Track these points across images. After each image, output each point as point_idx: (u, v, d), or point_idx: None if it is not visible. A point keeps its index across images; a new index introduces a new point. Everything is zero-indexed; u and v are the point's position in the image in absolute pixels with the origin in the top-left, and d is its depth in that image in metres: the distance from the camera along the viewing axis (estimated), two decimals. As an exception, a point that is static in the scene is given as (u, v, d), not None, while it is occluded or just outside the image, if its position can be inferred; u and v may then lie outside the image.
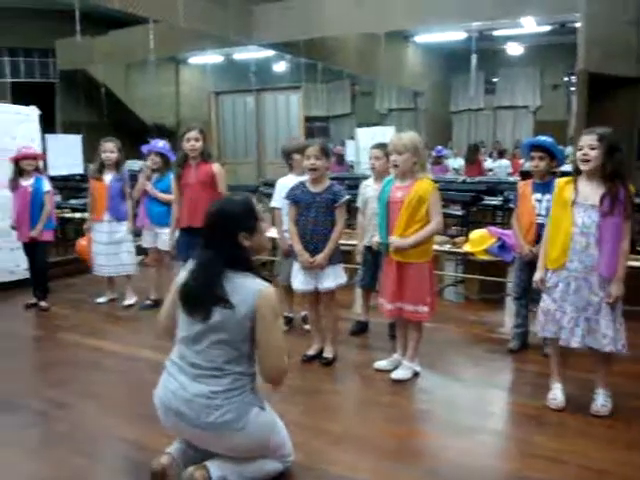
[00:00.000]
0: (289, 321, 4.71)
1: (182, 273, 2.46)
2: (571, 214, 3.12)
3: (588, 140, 3.07)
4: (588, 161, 3.07)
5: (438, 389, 3.64)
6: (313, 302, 4.01)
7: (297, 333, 4.55)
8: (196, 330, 2.31)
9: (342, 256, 4.05)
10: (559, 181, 3.27)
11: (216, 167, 4.63)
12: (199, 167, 4.57)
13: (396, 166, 3.58)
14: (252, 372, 2.37)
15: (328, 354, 3.98)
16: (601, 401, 3.22)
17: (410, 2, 8.93)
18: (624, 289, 3.10)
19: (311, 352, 4.02)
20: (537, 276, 3.30)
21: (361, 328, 4.61)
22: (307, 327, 4.34)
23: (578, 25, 7.93)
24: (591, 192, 3.09)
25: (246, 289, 2.27)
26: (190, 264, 2.44)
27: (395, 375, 3.70)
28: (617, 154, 3.06)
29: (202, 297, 2.28)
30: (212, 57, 12.31)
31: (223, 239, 2.30)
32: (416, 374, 3.74)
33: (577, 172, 3.17)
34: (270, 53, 11.70)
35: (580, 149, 3.10)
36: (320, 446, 2.91)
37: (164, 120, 11.60)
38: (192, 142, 4.52)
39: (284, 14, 9.88)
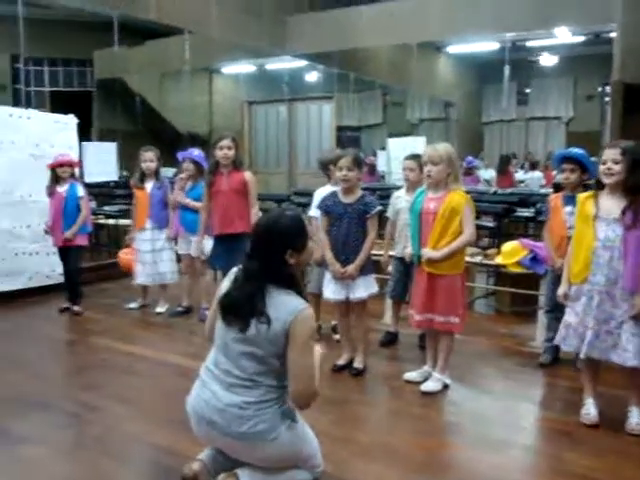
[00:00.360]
0: (318, 328, 4.71)
1: (225, 282, 2.47)
2: (593, 228, 3.09)
3: (612, 154, 3.05)
4: (612, 175, 3.04)
5: (468, 402, 3.61)
6: (344, 312, 4.02)
7: (326, 342, 4.55)
8: (230, 337, 2.34)
9: (374, 266, 4.06)
10: (580, 196, 3.26)
11: (248, 175, 4.69)
12: (231, 175, 4.63)
13: (429, 177, 3.59)
14: (284, 385, 2.37)
15: (358, 364, 3.98)
16: (636, 419, 3.16)
17: (443, 13, 8.94)
18: None
19: (341, 362, 4.03)
20: (561, 290, 3.28)
21: (391, 339, 4.60)
22: (337, 337, 4.35)
23: (613, 35, 7.84)
24: (614, 206, 3.06)
25: (285, 306, 2.26)
26: (232, 273, 2.45)
27: (425, 387, 3.69)
28: None
29: (242, 308, 2.29)
30: (245, 67, 12.44)
31: (270, 254, 2.29)
32: (446, 386, 3.72)
33: (599, 186, 3.15)
34: (303, 63, 11.78)
35: (604, 163, 3.08)
36: (349, 456, 2.91)
37: (197, 129, 11.74)
38: (225, 150, 4.58)
39: (317, 25, 9.97)
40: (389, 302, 4.75)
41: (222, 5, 9.07)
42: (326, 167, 4.52)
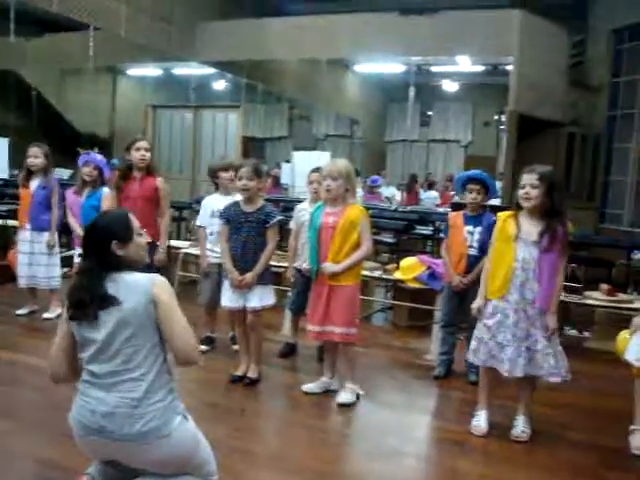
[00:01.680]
0: (211, 341, 4.63)
1: None
2: (513, 249, 3.22)
3: (529, 179, 3.19)
4: (529, 199, 3.18)
5: (364, 413, 3.65)
6: (241, 321, 3.97)
7: (224, 353, 4.48)
8: (101, 337, 2.24)
9: (272, 277, 4.05)
10: (502, 215, 3.37)
11: (160, 182, 4.54)
12: (143, 180, 4.48)
13: (329, 191, 3.64)
14: (168, 371, 2.32)
15: (252, 374, 3.94)
16: (521, 427, 3.31)
17: (353, 32, 9.12)
18: (557, 321, 3.23)
19: (239, 372, 3.97)
20: (475, 305, 3.38)
21: (290, 350, 4.59)
22: (235, 347, 4.28)
23: (510, 68, 8.30)
24: (531, 228, 3.20)
25: (138, 281, 2.30)
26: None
27: (339, 399, 3.70)
28: (557, 193, 3.19)
29: (86, 300, 2.26)
30: (151, 70, 12.14)
31: (98, 246, 2.33)
32: (358, 397, 3.75)
33: (518, 208, 3.28)
34: (211, 71, 11.64)
35: (522, 187, 3.21)
36: (244, 467, 2.87)
37: (98, 130, 11.30)
38: (142, 152, 4.43)
39: (228, 33, 9.89)
40: (288, 313, 4.74)
41: (131, 4, 8.81)
42: (214, 174, 4.49)
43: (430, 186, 11.97)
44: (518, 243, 3.21)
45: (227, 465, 2.69)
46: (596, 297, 5.09)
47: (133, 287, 2.28)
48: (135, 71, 12.63)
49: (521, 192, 3.21)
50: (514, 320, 3.22)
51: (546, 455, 3.17)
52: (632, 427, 3.30)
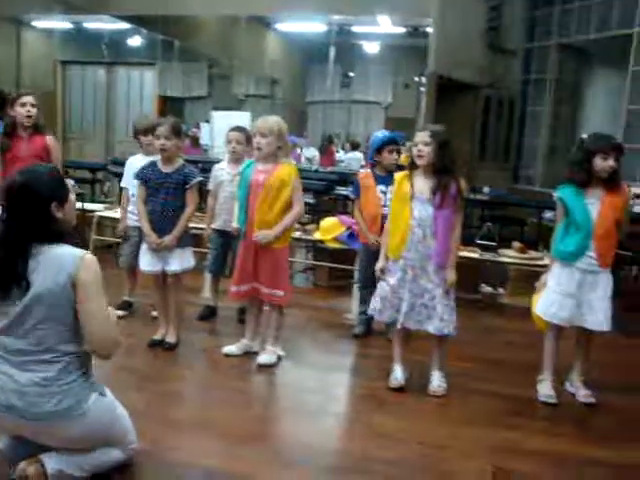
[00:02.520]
0: (129, 305, 4.51)
1: None
2: (409, 207, 3.27)
3: (422, 137, 3.25)
4: (422, 156, 3.24)
5: (286, 373, 3.67)
6: (160, 285, 3.88)
7: (143, 318, 4.37)
8: (15, 312, 2.10)
9: (192, 240, 3.95)
10: (398, 175, 3.43)
11: (50, 140, 4.27)
12: (32, 139, 4.21)
13: (259, 149, 3.55)
14: (84, 353, 2.20)
15: (171, 338, 3.86)
16: (437, 382, 3.42)
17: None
18: (457, 276, 3.32)
19: (158, 337, 3.88)
20: (379, 265, 3.43)
21: (210, 313, 4.53)
22: (155, 314, 4.17)
23: (430, 30, 8.33)
24: (426, 186, 3.26)
25: (61, 259, 2.10)
26: None
27: (260, 360, 3.68)
28: (447, 150, 3.26)
29: (4, 275, 2.09)
30: (60, 23, 11.44)
31: (32, 211, 2.10)
32: (279, 358, 3.75)
33: (413, 167, 3.33)
34: (125, 25, 11.09)
35: (416, 145, 3.26)
36: (165, 433, 2.82)
37: (1, 86, 10.63)
38: (28, 107, 4.14)
39: (141, -15, 9.43)
40: (208, 276, 4.67)
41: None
42: (138, 135, 4.32)
43: (354, 147, 12.01)
44: (413, 202, 3.27)
45: (147, 432, 2.63)
46: (509, 255, 5.29)
47: (55, 264, 2.09)
48: (42, 23, 11.86)
49: (414, 150, 3.27)
50: (412, 276, 3.30)
51: (460, 407, 3.29)
52: (540, 377, 3.48)
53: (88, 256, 2.14)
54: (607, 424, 3.24)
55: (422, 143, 3.24)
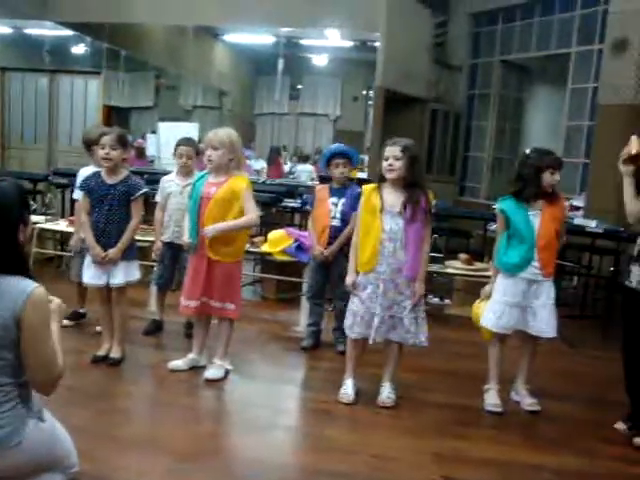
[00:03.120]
0: (78, 316, 4.38)
1: None
2: (379, 220, 3.29)
3: (393, 151, 3.27)
4: (393, 170, 3.26)
5: (234, 388, 3.62)
6: (104, 299, 3.77)
7: (87, 332, 4.25)
8: None
9: (137, 252, 3.87)
10: (366, 188, 3.43)
11: None
12: None
13: (210, 161, 3.51)
14: (23, 382, 2.06)
15: (115, 354, 3.76)
16: (386, 393, 3.43)
17: (221, 0, 8.86)
18: (425, 289, 3.37)
19: (101, 352, 3.77)
20: (349, 279, 3.41)
21: (156, 327, 4.43)
22: (99, 328, 4.04)
23: (377, 44, 8.45)
24: (396, 200, 3.29)
25: (10, 293, 1.92)
26: None
27: (208, 374, 3.61)
28: (417, 165, 3.31)
29: None
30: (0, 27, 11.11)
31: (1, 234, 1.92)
32: (227, 372, 3.69)
33: (382, 180, 3.35)
34: (68, 32, 10.85)
35: (386, 159, 3.28)
36: (111, 452, 2.73)
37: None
38: None
39: (86, -7, 9.24)
40: (154, 289, 4.58)
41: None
42: (89, 146, 4.22)
43: (304, 160, 12.03)
44: (384, 215, 3.29)
45: (91, 452, 2.54)
46: (455, 266, 5.38)
47: (7, 300, 1.90)
48: (-20, 29, 11.51)
49: (385, 164, 3.29)
50: (383, 290, 3.31)
51: (410, 418, 3.31)
52: (486, 386, 3.54)
53: (37, 292, 1.95)
54: (551, 431, 3.31)
55: (393, 157, 3.26)
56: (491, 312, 3.43)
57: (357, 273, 3.38)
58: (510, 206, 3.41)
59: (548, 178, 3.30)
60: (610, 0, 7.31)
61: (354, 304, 3.39)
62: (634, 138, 3.24)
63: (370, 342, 3.36)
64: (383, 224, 3.28)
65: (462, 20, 9.42)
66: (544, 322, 3.38)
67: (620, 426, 3.31)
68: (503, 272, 3.44)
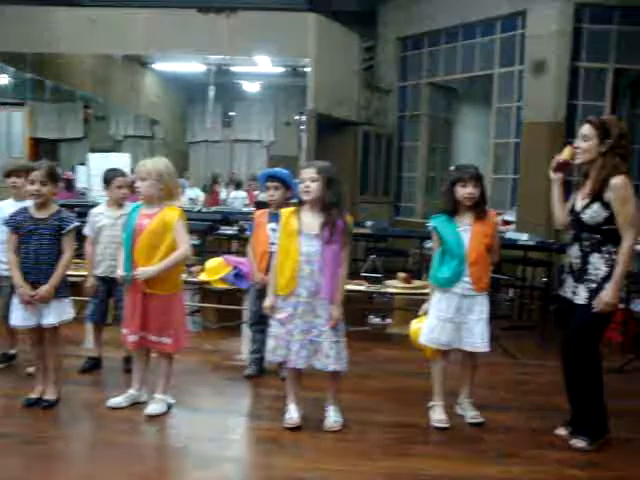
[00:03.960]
0: (8, 358, 4.18)
1: None
2: (297, 243, 3.29)
3: (309, 173, 3.30)
4: (309, 192, 3.28)
5: (178, 422, 3.51)
6: (36, 340, 3.60)
7: (20, 374, 4.05)
8: None
9: (69, 289, 3.72)
10: (284, 211, 3.44)
11: None
12: None
13: (139, 192, 3.48)
14: None
15: (49, 396, 3.58)
16: (332, 417, 3.40)
17: (149, 28, 8.76)
18: (343, 311, 3.35)
19: (34, 395, 3.59)
20: (267, 303, 3.40)
21: (93, 365, 4.27)
22: (31, 370, 3.86)
23: (308, 70, 8.55)
24: (313, 222, 3.30)
25: None
26: None
27: (149, 410, 3.49)
28: (334, 187, 3.32)
29: None
30: None
31: None
32: (170, 407, 3.58)
33: (301, 203, 3.37)
34: (-12, 63, 10.52)
35: (302, 182, 3.31)
36: (44, 500, 2.59)
37: None
38: None
39: (6, 22, 8.97)
40: (90, 326, 4.42)
41: None
42: (11, 177, 4.08)
43: (238, 186, 11.98)
44: (301, 237, 3.29)
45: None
46: (394, 285, 5.43)
47: None
48: None
49: (302, 186, 3.31)
50: (301, 313, 3.30)
51: (358, 440, 3.29)
52: (431, 403, 3.56)
53: None
54: (497, 442, 3.35)
55: (309, 179, 3.28)
56: (427, 327, 3.49)
57: (276, 296, 3.36)
58: (441, 222, 3.49)
59: (460, 191, 3.39)
60: (527, 24, 7.68)
61: (274, 328, 3.37)
62: (567, 148, 3.39)
63: (290, 366, 3.34)
64: (301, 247, 3.28)
65: (389, 44, 9.66)
66: (478, 337, 3.44)
67: (561, 432, 3.40)
68: (437, 287, 3.51)
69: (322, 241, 3.26)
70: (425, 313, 3.56)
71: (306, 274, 3.28)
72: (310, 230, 3.29)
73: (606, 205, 3.11)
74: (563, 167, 3.37)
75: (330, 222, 3.26)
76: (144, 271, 3.38)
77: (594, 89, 7.53)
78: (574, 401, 3.35)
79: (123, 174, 4.25)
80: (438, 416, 3.49)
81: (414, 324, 3.64)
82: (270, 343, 3.38)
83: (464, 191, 3.39)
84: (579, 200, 3.28)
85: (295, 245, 3.29)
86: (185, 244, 3.47)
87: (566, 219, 3.37)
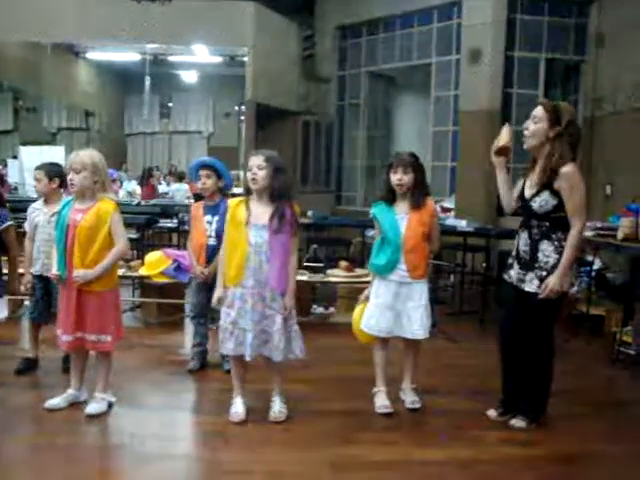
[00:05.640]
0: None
1: None
2: (245, 234, 3.25)
3: (256, 161, 3.25)
4: (256, 180, 3.25)
5: (121, 420, 3.43)
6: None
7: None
8: None
9: (2, 288, 3.58)
10: (232, 201, 3.40)
11: None
12: None
13: (72, 185, 3.34)
14: None
15: (-18, 400, 3.46)
16: (277, 408, 3.40)
17: (79, 15, 8.45)
18: (295, 301, 3.34)
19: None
20: (216, 294, 3.35)
21: (29, 365, 4.12)
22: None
23: (246, 59, 8.46)
24: (261, 212, 3.27)
25: None
26: None
27: (89, 410, 3.39)
28: (282, 175, 3.30)
29: None
30: None
31: None
32: (110, 405, 3.49)
33: (248, 193, 3.33)
34: None
35: (250, 169, 3.27)
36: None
37: None
38: None
39: None
40: (26, 325, 4.27)
41: None
42: None
43: (180, 179, 11.79)
44: (249, 228, 3.26)
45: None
46: (337, 274, 5.46)
47: None
48: None
49: (249, 174, 3.28)
50: (251, 304, 3.27)
51: (304, 430, 3.29)
52: (374, 389, 3.60)
53: None
54: (440, 425, 3.43)
55: (257, 167, 3.24)
56: (367, 314, 3.52)
57: (224, 288, 3.33)
58: (380, 210, 3.53)
59: (392, 177, 3.45)
60: (463, 14, 7.80)
61: (224, 320, 3.33)
62: (505, 128, 3.43)
63: (247, 359, 3.31)
64: (248, 237, 3.26)
65: (328, 34, 9.65)
66: (417, 324, 3.48)
67: (492, 413, 3.50)
68: (375, 275, 3.54)
69: (270, 231, 3.24)
70: (365, 300, 3.59)
71: (255, 265, 3.24)
72: (258, 220, 3.25)
73: (555, 193, 3.17)
74: (504, 151, 3.42)
75: (278, 212, 3.24)
76: (84, 274, 3.28)
77: (528, 78, 7.73)
78: (511, 384, 3.44)
79: (41, 166, 4.05)
80: (381, 402, 3.54)
81: (356, 311, 3.67)
82: (220, 335, 3.33)
83: (394, 177, 3.43)
84: (527, 188, 3.32)
85: (243, 236, 3.25)
86: (122, 239, 3.38)
87: (514, 205, 3.42)
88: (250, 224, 3.26)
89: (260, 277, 3.26)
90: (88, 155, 3.38)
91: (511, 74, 7.69)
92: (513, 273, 3.38)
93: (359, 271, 5.46)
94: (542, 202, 3.20)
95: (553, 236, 3.21)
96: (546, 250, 3.22)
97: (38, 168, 4.01)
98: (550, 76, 7.96)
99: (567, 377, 4.02)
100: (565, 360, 4.52)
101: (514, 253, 3.41)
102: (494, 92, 7.56)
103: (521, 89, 7.71)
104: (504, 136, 3.38)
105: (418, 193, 3.48)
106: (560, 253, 3.19)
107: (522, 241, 3.33)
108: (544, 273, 3.21)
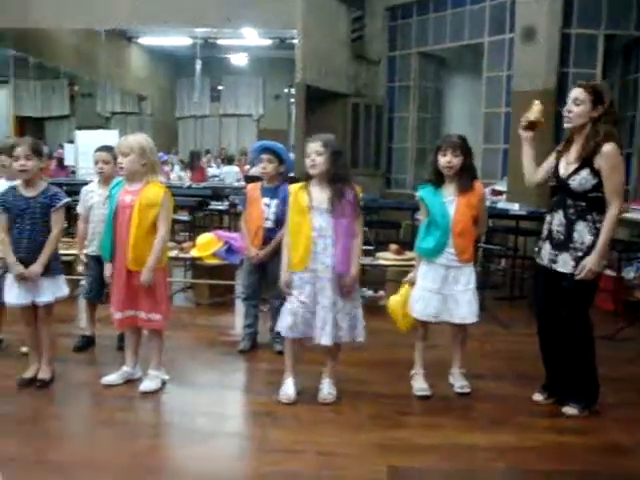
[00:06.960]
0: (-2, 342, 4.19)
1: None
2: (308, 219, 3.27)
3: (314, 147, 3.26)
4: (315, 166, 3.26)
5: (173, 398, 3.53)
6: (30, 319, 3.60)
7: (10, 355, 4.05)
8: None
9: (63, 267, 3.71)
10: (293, 187, 3.41)
11: None
12: None
13: (121, 168, 3.44)
14: None
15: (44, 375, 3.58)
16: (326, 389, 3.43)
17: (131, 1, 8.62)
18: (359, 282, 3.38)
19: (29, 374, 3.60)
20: (283, 279, 3.38)
21: (87, 343, 4.27)
22: (24, 349, 3.86)
23: (296, 41, 8.44)
24: (322, 196, 3.28)
25: None
26: None
27: (143, 387, 3.51)
28: (340, 159, 3.30)
29: None
30: None
31: None
32: (164, 383, 3.59)
33: (308, 178, 3.34)
34: (-30, 41, 10.35)
35: (308, 156, 3.27)
36: (48, 479, 2.60)
37: None
38: None
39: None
40: (83, 304, 4.42)
41: None
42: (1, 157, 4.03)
43: (230, 161, 11.92)
44: (312, 213, 3.27)
45: (19, 480, 2.42)
46: (386, 257, 5.44)
47: None
48: None
49: (307, 161, 3.28)
50: (320, 288, 3.29)
51: (351, 412, 3.31)
52: (412, 372, 3.61)
53: None
54: (487, 411, 3.39)
55: (315, 153, 3.25)
56: (414, 298, 3.51)
57: (290, 273, 3.36)
58: (427, 193, 3.49)
59: (440, 159, 3.40)
60: (517, -10, 7.57)
61: (293, 304, 3.35)
62: (535, 103, 3.37)
63: (317, 342, 3.33)
64: (312, 222, 3.27)
65: (378, 14, 9.52)
66: (465, 308, 3.45)
67: (537, 397, 3.46)
68: (422, 258, 3.52)
69: (333, 215, 3.25)
70: (410, 282, 3.58)
71: (320, 249, 3.27)
72: (320, 204, 3.27)
73: (595, 172, 3.11)
74: (533, 126, 3.36)
75: (339, 195, 3.25)
76: (145, 278, 3.37)
77: (585, 56, 7.47)
78: (548, 365, 3.40)
79: (103, 149, 4.16)
80: (419, 384, 3.55)
81: (396, 297, 3.65)
82: (288, 319, 3.35)
83: (443, 160, 3.39)
84: (562, 167, 3.26)
85: (307, 221, 3.27)
86: (164, 227, 3.44)
87: (541, 180, 3.39)
88: (313, 209, 3.27)
89: (326, 261, 3.27)
90: (135, 139, 3.46)
91: (567, 52, 7.44)
92: (544, 253, 3.32)
93: (409, 254, 5.42)
94: (582, 180, 3.13)
95: (589, 217, 3.15)
96: (582, 231, 3.16)
97: (106, 150, 4.11)
98: (609, 54, 7.67)
99: (621, 364, 3.92)
100: (619, 347, 4.43)
101: (545, 234, 3.35)
102: (549, 71, 7.34)
103: (578, 68, 7.45)
104: (535, 111, 3.33)
105: (466, 176, 3.43)
106: (595, 234, 3.12)
107: (556, 221, 3.26)
108: (580, 254, 3.15)
